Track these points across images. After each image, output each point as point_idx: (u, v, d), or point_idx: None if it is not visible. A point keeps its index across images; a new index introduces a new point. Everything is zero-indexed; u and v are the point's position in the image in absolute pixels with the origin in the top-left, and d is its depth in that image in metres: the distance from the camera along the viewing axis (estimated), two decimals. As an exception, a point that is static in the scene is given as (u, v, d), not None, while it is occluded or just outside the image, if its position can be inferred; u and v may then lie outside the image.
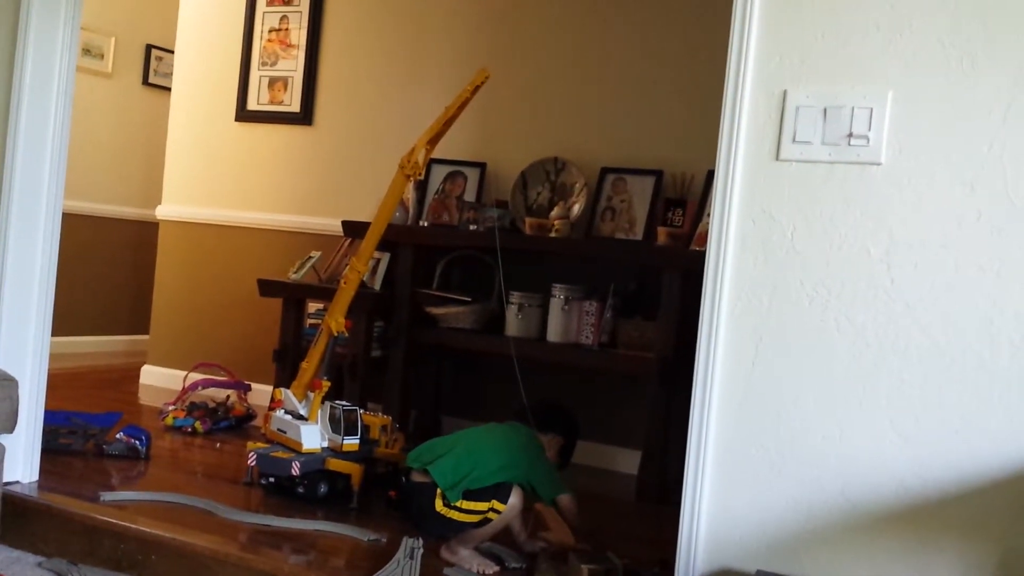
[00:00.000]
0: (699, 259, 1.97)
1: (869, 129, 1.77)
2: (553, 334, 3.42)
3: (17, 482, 2.64)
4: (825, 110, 1.80)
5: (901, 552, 1.72)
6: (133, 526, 2.40)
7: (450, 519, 2.30)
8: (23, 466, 2.67)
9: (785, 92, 1.84)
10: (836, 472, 1.77)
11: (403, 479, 2.44)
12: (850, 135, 1.78)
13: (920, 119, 1.75)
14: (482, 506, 2.29)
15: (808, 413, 1.81)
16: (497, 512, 2.29)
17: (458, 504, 2.29)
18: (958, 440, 1.70)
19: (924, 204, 1.75)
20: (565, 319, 3.40)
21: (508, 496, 2.29)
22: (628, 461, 3.49)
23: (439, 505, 2.30)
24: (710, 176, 3.25)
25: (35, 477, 2.71)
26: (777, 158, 1.84)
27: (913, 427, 1.72)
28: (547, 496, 2.37)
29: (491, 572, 2.27)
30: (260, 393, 3.93)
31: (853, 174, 1.79)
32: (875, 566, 1.73)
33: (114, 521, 2.43)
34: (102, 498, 2.59)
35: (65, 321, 4.75)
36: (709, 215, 1.97)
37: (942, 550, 1.69)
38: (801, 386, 1.81)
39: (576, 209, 3.60)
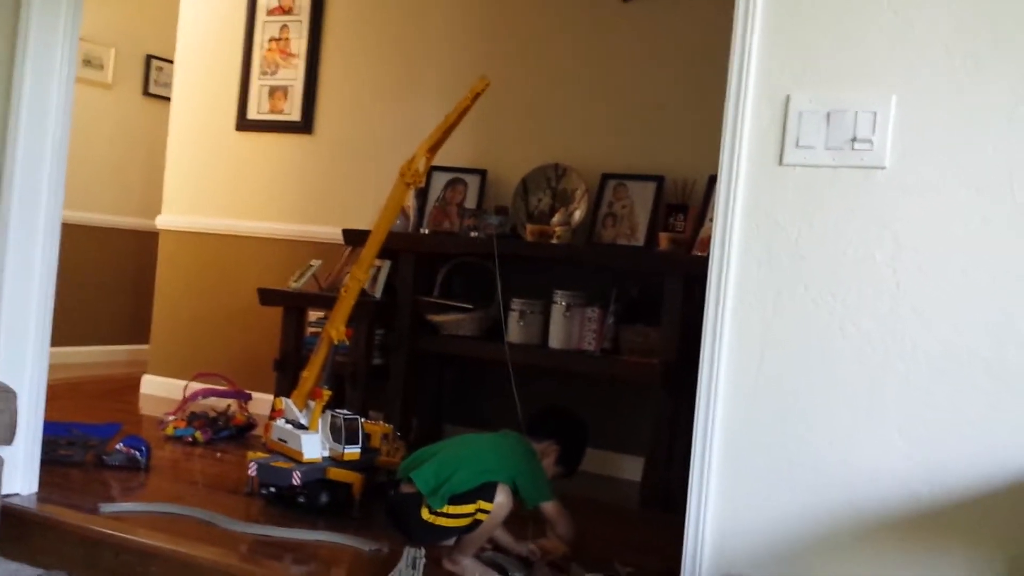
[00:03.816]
0: (701, 264, 1.95)
1: (873, 133, 1.76)
2: (555, 341, 3.41)
3: (16, 494, 2.62)
4: (828, 114, 1.79)
5: (909, 560, 1.70)
6: (133, 538, 2.38)
7: (438, 526, 2.28)
8: (22, 478, 2.64)
9: (788, 97, 1.82)
10: (843, 479, 1.75)
11: (392, 491, 2.42)
12: (854, 139, 1.77)
13: (925, 122, 1.74)
14: (468, 508, 2.26)
15: (814, 420, 1.79)
16: (485, 512, 2.26)
17: (444, 510, 2.26)
18: (967, 446, 1.68)
19: (929, 208, 1.74)
20: (567, 325, 3.39)
21: (494, 495, 2.26)
22: (632, 468, 3.47)
23: (425, 514, 2.27)
24: (712, 181, 3.24)
25: (35, 489, 2.68)
26: (780, 163, 1.83)
27: (921, 433, 1.71)
28: (530, 502, 2.32)
29: (494, 582, 2.25)
30: (261, 402, 3.90)
31: (857, 178, 1.78)
32: (883, 571, 1.71)
33: (113, 533, 2.41)
34: (102, 510, 2.57)
35: (65, 331, 4.72)
36: (711, 220, 1.96)
37: (951, 557, 1.67)
38: (807, 392, 1.80)
39: (577, 215, 3.59)
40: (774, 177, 1.83)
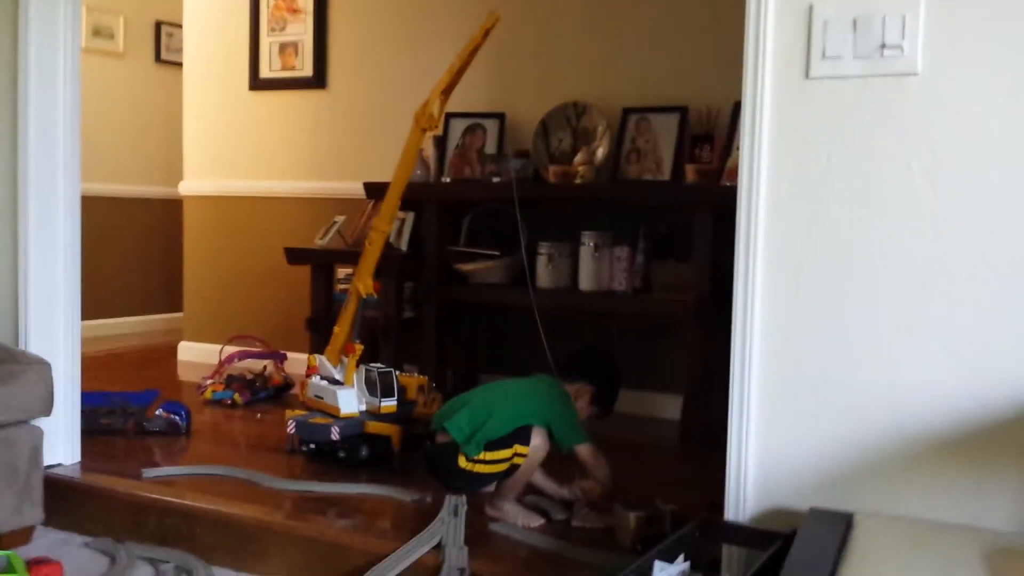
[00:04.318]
0: (731, 194, 1.89)
1: (903, 38, 1.67)
2: (585, 282, 3.36)
3: (59, 464, 2.65)
4: (855, 21, 1.70)
5: (958, 478, 1.65)
6: (177, 500, 2.41)
7: (477, 473, 2.27)
8: (64, 448, 2.68)
9: (811, 6, 1.74)
10: (887, 401, 1.70)
11: (427, 442, 2.41)
12: (883, 46, 1.68)
13: (957, 23, 1.65)
14: (505, 453, 2.25)
15: (855, 343, 1.73)
16: (522, 456, 2.25)
17: (480, 457, 2.25)
18: (1014, 359, 1.62)
19: (966, 113, 1.65)
20: (596, 266, 3.34)
21: (529, 438, 2.25)
22: (670, 406, 3.43)
23: (462, 462, 2.26)
24: (737, 108, 3.15)
25: (77, 459, 2.72)
26: (807, 77, 1.75)
27: (967, 348, 1.65)
28: (564, 444, 2.31)
29: (536, 525, 2.24)
30: (296, 362, 3.91)
31: (889, 87, 1.70)
32: (932, 495, 1.66)
33: (157, 497, 2.44)
34: (145, 475, 2.60)
35: (99, 304, 4.79)
36: (739, 148, 1.88)
37: (1002, 473, 1.62)
38: (846, 315, 1.74)
39: (600, 153, 3.51)
40: (801, 92, 1.76)
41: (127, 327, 5.48)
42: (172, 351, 4.67)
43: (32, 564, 2.15)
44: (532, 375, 2.48)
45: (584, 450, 2.32)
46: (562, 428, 2.30)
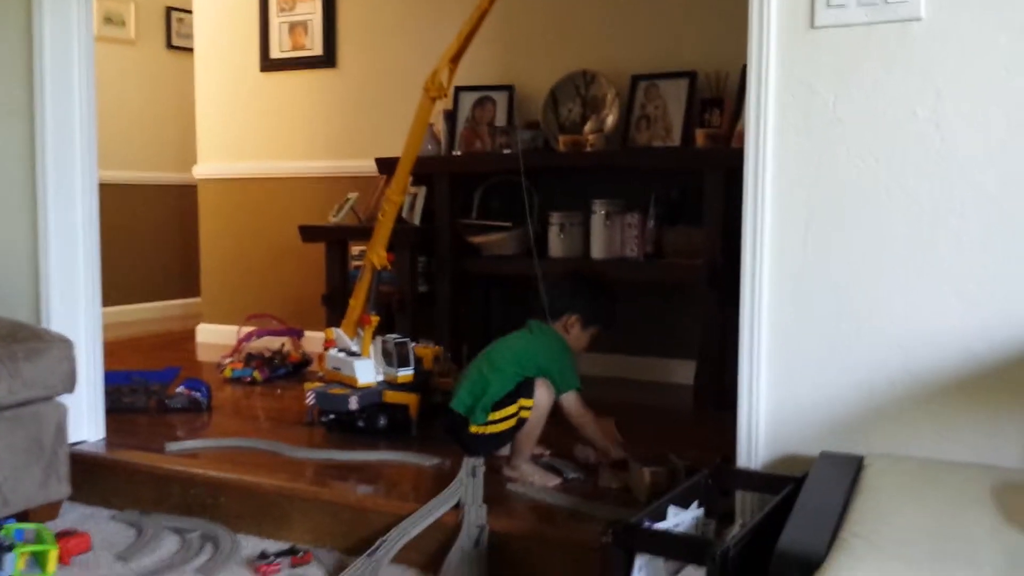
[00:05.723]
0: (741, 157, 1.90)
1: (906, -17, 1.67)
2: (597, 250, 3.37)
3: (84, 441, 2.69)
4: (858, -32, 1.70)
5: (969, 419, 1.66)
6: (200, 471, 2.44)
7: (489, 435, 2.33)
8: (88, 425, 2.72)
9: (814, -46, 1.74)
10: (897, 345, 1.71)
11: (443, 416, 2.46)
12: (886, -8, 1.68)
13: (961, -35, 1.65)
14: (511, 409, 2.30)
15: (865, 288, 1.74)
16: (527, 408, 2.30)
17: (488, 418, 2.31)
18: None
19: (970, 57, 1.66)
20: (608, 234, 3.35)
21: (532, 390, 2.30)
22: (685, 372, 3.44)
23: (474, 428, 2.33)
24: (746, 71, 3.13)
25: (101, 435, 2.76)
26: (812, 26, 1.76)
27: (976, 290, 1.65)
28: (559, 389, 2.35)
29: (552, 484, 2.27)
30: (314, 340, 3.94)
31: (893, 33, 1.70)
32: (943, 435, 1.68)
33: (181, 469, 2.47)
34: (168, 449, 2.63)
35: (119, 290, 4.83)
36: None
37: (1012, 412, 1.63)
38: (856, 261, 1.75)
39: (610, 121, 3.51)
40: (806, 42, 1.76)
41: (145, 313, 5.53)
42: (191, 334, 4.72)
43: (60, 536, 2.20)
44: (525, 326, 2.50)
45: (569, 398, 2.36)
46: (554, 372, 2.36)
